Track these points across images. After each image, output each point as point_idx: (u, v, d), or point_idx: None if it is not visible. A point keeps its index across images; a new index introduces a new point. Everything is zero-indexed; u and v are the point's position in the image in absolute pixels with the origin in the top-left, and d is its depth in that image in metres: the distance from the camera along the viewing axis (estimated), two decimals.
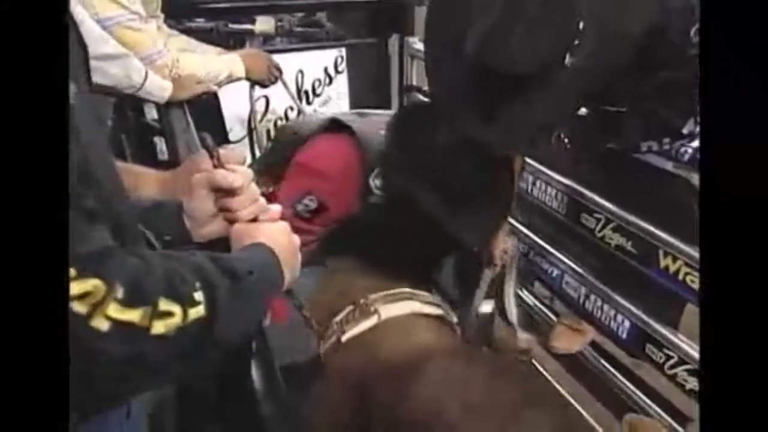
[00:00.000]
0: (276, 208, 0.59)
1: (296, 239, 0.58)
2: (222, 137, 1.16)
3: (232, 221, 0.56)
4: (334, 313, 1.10)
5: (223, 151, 0.60)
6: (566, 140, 1.17)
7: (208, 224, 0.57)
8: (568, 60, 0.76)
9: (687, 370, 1.05)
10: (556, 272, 1.37)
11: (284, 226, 0.57)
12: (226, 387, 0.53)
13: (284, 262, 0.53)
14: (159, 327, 0.37)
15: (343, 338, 1.04)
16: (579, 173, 1.21)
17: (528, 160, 1.33)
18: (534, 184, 1.33)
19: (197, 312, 0.39)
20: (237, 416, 0.51)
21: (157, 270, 0.38)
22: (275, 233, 0.55)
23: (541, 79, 0.79)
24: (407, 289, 1.20)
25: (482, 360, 1.14)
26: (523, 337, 1.24)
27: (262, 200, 0.57)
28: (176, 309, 0.38)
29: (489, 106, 0.87)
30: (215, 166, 0.54)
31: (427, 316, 1.16)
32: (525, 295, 1.48)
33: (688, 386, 1.05)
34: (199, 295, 0.40)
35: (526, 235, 1.41)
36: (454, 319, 1.31)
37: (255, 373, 0.51)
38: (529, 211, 1.39)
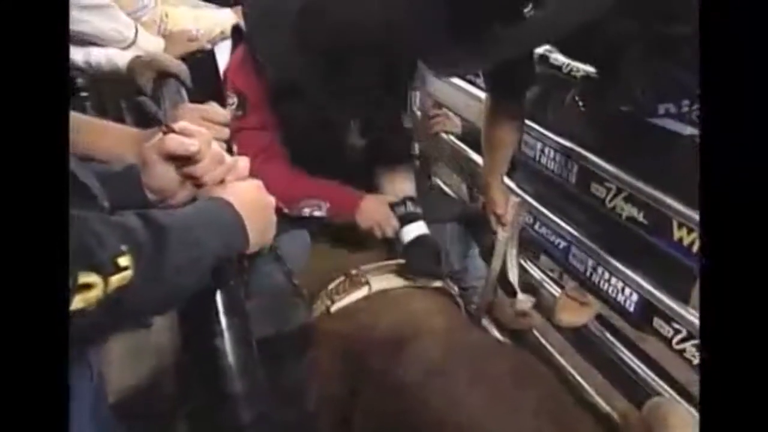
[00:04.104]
0: (243, 164, 0.55)
1: (269, 198, 0.55)
2: (219, 97, 1.12)
3: (200, 186, 0.52)
4: (324, 284, 1.08)
5: (203, 107, 0.56)
6: (580, 103, 1.11)
7: (179, 193, 0.53)
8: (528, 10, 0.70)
9: (696, 345, 1.01)
10: (563, 244, 1.32)
11: (254, 183, 0.54)
12: (197, 361, 0.51)
13: (250, 219, 0.50)
14: (78, 302, 0.35)
15: (333, 308, 1.03)
16: (591, 140, 1.15)
17: (536, 126, 1.27)
18: (542, 151, 1.27)
19: (122, 278, 0.36)
20: (209, 392, 0.49)
21: (74, 242, 0.35)
22: (242, 191, 0.52)
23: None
24: (401, 261, 1.17)
25: (476, 332, 1.11)
26: (522, 298, 1.22)
27: (229, 159, 0.54)
28: (95, 279, 0.35)
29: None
30: (164, 133, 0.50)
31: (422, 288, 1.14)
32: (530, 267, 1.45)
33: (695, 361, 1.01)
34: (125, 260, 0.37)
35: (533, 205, 1.36)
36: (455, 290, 1.28)
37: (228, 344, 0.49)
38: (537, 179, 1.34)
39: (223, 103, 1.03)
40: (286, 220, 0.95)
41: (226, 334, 0.48)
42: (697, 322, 1.01)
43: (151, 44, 1.12)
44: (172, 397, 1.15)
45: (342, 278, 1.09)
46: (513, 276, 1.25)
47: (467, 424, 0.79)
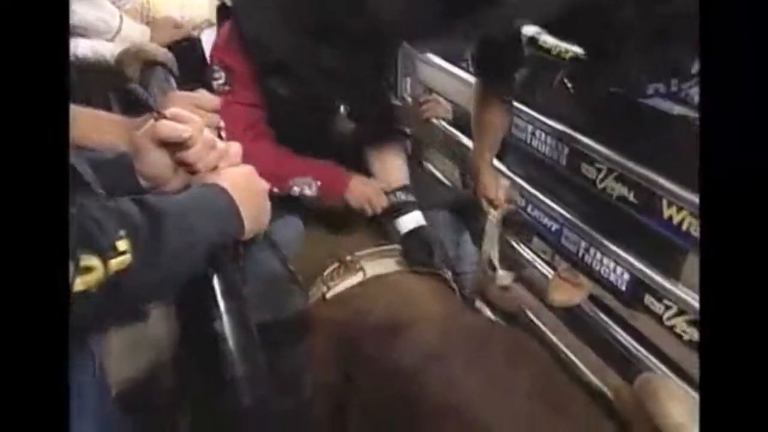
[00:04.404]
0: (236, 150, 0.55)
1: (262, 184, 0.55)
2: (208, 85, 1.11)
3: (193, 173, 0.52)
4: (319, 271, 1.08)
5: (194, 94, 0.56)
6: (569, 84, 1.11)
7: (173, 180, 0.53)
8: None
9: (686, 321, 1.03)
10: (555, 226, 1.33)
11: (247, 169, 0.54)
12: (196, 347, 0.51)
13: (244, 206, 0.50)
14: (79, 284, 0.35)
15: (328, 295, 1.03)
16: (581, 121, 1.16)
17: (527, 108, 1.28)
18: (533, 134, 1.28)
19: (121, 262, 0.37)
20: (209, 378, 0.49)
21: (74, 227, 0.36)
22: (235, 177, 0.52)
23: None
24: (396, 246, 1.18)
25: (470, 315, 1.13)
26: (502, 274, 1.23)
27: (221, 145, 0.54)
28: (96, 263, 0.36)
29: None
30: (156, 120, 0.50)
31: (416, 273, 1.15)
32: (523, 250, 1.46)
33: (686, 337, 1.03)
34: (123, 244, 0.37)
35: (525, 188, 1.37)
36: (449, 275, 1.29)
37: (227, 328, 0.49)
38: (528, 162, 1.35)
39: (211, 89, 1.03)
40: (279, 206, 0.95)
41: (225, 319, 0.48)
42: (687, 298, 1.03)
43: (136, 32, 1.11)
44: (171, 390, 1.16)
45: (336, 265, 1.09)
46: (494, 253, 1.27)
47: (463, 408, 0.80)
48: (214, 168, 0.53)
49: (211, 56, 1.17)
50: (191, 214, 0.46)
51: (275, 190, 1.09)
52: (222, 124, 0.56)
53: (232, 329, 0.48)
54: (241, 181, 0.52)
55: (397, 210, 1.18)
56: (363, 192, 1.20)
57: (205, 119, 0.54)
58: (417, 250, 1.15)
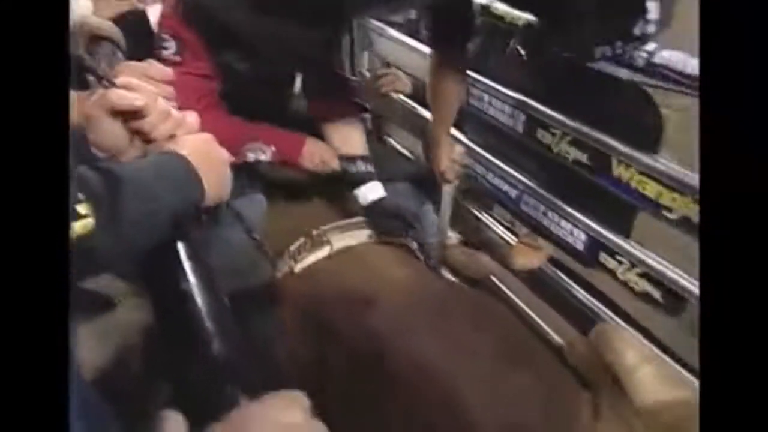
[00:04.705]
0: (192, 119, 0.55)
1: (222, 151, 0.55)
2: (157, 58, 1.09)
3: (149, 142, 0.52)
4: (286, 246, 1.09)
5: (144, 65, 0.55)
6: (522, 51, 1.13)
7: (128, 150, 0.53)
8: None
9: (637, 274, 1.09)
10: (515, 193, 1.37)
11: (206, 137, 0.54)
12: (167, 318, 0.51)
13: (204, 172, 0.50)
14: None
15: (296, 268, 1.04)
16: (535, 87, 1.18)
17: (483, 78, 1.30)
18: (490, 103, 1.30)
19: (84, 226, 0.37)
20: (183, 349, 0.49)
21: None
22: (194, 144, 0.52)
23: None
24: (361, 219, 1.19)
25: (438, 281, 1.15)
26: (453, 235, 1.27)
27: (177, 114, 0.53)
28: None
29: None
30: (106, 88, 0.49)
31: (383, 243, 1.16)
32: (485, 218, 1.50)
33: (637, 289, 1.09)
34: (83, 208, 0.37)
35: (484, 157, 1.40)
36: (414, 245, 1.32)
37: (198, 297, 0.49)
38: (486, 131, 1.38)
39: (161, 61, 1.00)
40: (241, 183, 0.94)
41: (194, 288, 0.48)
42: (637, 253, 1.09)
43: (79, 7, 1.07)
44: (142, 372, 1.15)
45: (303, 239, 1.10)
46: (445, 216, 1.30)
47: (432, 370, 0.82)
48: (171, 137, 0.52)
49: (159, 25, 1.14)
50: (150, 180, 0.45)
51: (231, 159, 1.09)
52: (174, 94, 0.55)
53: (203, 297, 0.48)
54: (200, 148, 0.52)
55: (357, 180, 1.19)
56: (317, 152, 1.20)
57: (157, 89, 0.53)
58: (381, 220, 1.16)
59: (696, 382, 0.91)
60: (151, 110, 0.51)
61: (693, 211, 0.91)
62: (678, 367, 0.95)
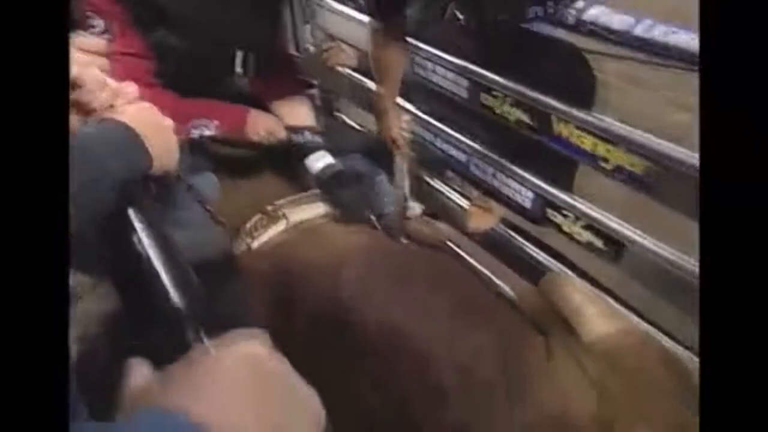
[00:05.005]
0: (131, 89, 0.54)
1: (166, 119, 0.55)
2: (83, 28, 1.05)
3: (88, 113, 0.51)
4: (241, 224, 1.09)
5: (75, 38, 0.54)
6: (460, 16, 1.15)
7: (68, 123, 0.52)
8: None
9: (581, 226, 1.15)
10: (464, 157, 1.41)
11: (146, 105, 0.53)
12: (128, 290, 0.50)
13: (149, 140, 0.50)
14: None
15: (254, 245, 1.05)
16: (475, 52, 1.21)
17: (424, 45, 1.32)
18: (433, 70, 1.33)
19: None
20: (148, 321, 0.49)
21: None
22: (136, 113, 0.51)
23: None
24: (316, 191, 1.20)
25: (396, 245, 1.18)
26: (412, 205, 1.30)
27: (114, 84, 0.53)
28: None
29: None
30: None
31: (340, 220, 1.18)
32: (438, 184, 1.53)
33: (582, 239, 1.15)
34: None
35: (432, 124, 1.43)
36: (372, 217, 1.34)
37: (159, 267, 0.48)
38: (432, 98, 1.40)
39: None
40: (188, 159, 0.93)
41: (153, 257, 0.47)
42: (580, 206, 1.15)
43: None
44: (108, 359, 1.14)
45: (258, 216, 1.10)
46: (405, 189, 1.33)
47: (393, 332, 0.85)
48: (111, 107, 0.52)
49: (84, 2, 1.09)
50: (93, 148, 0.45)
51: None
52: (108, 65, 0.54)
53: (160, 259, 0.47)
54: (143, 116, 0.51)
55: (305, 150, 1.19)
56: (261, 123, 1.20)
57: (90, 59, 0.52)
58: (333, 188, 1.18)
59: (635, 319, 0.99)
60: (86, 80, 0.50)
61: (625, 161, 0.97)
62: (618, 306, 1.03)
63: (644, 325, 0.98)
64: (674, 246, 1.01)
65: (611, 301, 1.02)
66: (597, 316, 0.82)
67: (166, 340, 0.42)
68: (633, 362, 0.75)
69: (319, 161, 1.19)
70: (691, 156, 0.91)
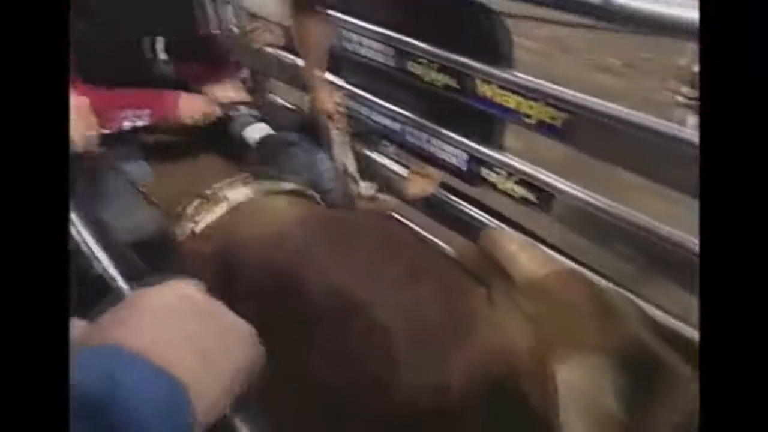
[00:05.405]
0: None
1: (81, 98, 0.54)
2: None
3: None
4: (181, 210, 1.08)
5: None
6: None
7: None
8: None
9: (515, 182, 1.21)
10: (398, 127, 1.44)
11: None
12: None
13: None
14: None
15: (197, 229, 1.04)
16: (397, 20, 1.23)
17: (348, 17, 1.33)
18: (359, 42, 1.34)
19: None
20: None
21: None
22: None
23: None
24: (256, 169, 1.21)
25: (338, 214, 1.20)
26: (364, 185, 1.33)
27: None
28: None
29: None
30: None
31: (280, 192, 1.19)
32: (377, 156, 1.56)
33: (516, 195, 1.21)
34: None
35: (364, 97, 1.45)
36: (316, 196, 1.35)
37: (98, 253, 0.48)
38: (362, 71, 1.42)
39: None
40: (120, 150, 0.91)
41: (90, 243, 0.47)
42: (512, 162, 1.20)
43: None
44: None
45: (198, 200, 1.09)
46: (351, 167, 1.34)
47: (339, 294, 0.88)
48: None
49: None
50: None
51: (106, 130, 1.05)
52: None
53: (102, 249, 0.47)
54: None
55: (241, 124, 1.19)
56: (194, 105, 1.19)
57: None
58: (273, 158, 1.18)
59: (565, 261, 1.06)
60: None
61: (546, 115, 1.03)
62: (549, 251, 1.10)
63: (573, 265, 1.06)
64: (598, 191, 1.09)
65: (544, 247, 1.09)
66: (529, 261, 0.88)
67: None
68: (564, 297, 0.81)
69: (257, 133, 1.19)
70: (607, 106, 0.97)
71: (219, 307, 0.38)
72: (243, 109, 1.20)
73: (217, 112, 1.20)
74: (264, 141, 1.19)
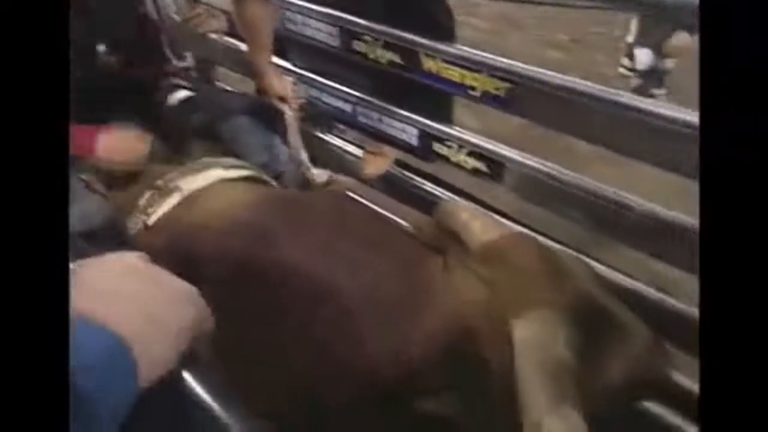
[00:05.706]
0: None
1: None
2: None
3: None
4: (133, 203, 1.06)
5: None
6: None
7: None
8: None
9: (466, 154, 1.24)
10: (349, 107, 1.44)
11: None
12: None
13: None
14: None
15: (150, 221, 1.02)
16: (341, 0, 1.23)
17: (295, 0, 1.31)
18: (304, 24, 1.33)
19: None
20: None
21: None
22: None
23: None
24: (209, 160, 1.19)
25: (292, 195, 1.20)
26: (317, 172, 1.33)
27: None
28: None
29: None
30: None
31: (235, 179, 1.17)
32: (330, 138, 1.56)
33: (468, 167, 1.24)
34: None
35: (314, 79, 1.44)
36: (272, 182, 1.34)
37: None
38: (310, 53, 1.41)
39: None
40: None
41: None
42: (462, 135, 1.23)
43: None
44: None
45: (150, 192, 1.07)
46: (302, 155, 1.34)
47: (298, 273, 0.88)
48: None
49: None
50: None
51: None
52: None
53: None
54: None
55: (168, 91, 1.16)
56: (117, 143, 1.10)
57: None
58: (187, 115, 1.15)
59: (515, 226, 1.10)
60: None
61: (489, 86, 1.05)
62: (500, 218, 1.14)
63: (522, 229, 1.10)
64: (550, 160, 1.12)
65: (495, 215, 1.13)
66: (482, 228, 0.90)
67: None
68: (515, 259, 0.84)
69: (177, 96, 1.16)
70: (546, 74, 1.00)
71: (161, 272, 0.39)
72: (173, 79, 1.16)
73: (147, 149, 1.12)
74: (181, 103, 1.15)
